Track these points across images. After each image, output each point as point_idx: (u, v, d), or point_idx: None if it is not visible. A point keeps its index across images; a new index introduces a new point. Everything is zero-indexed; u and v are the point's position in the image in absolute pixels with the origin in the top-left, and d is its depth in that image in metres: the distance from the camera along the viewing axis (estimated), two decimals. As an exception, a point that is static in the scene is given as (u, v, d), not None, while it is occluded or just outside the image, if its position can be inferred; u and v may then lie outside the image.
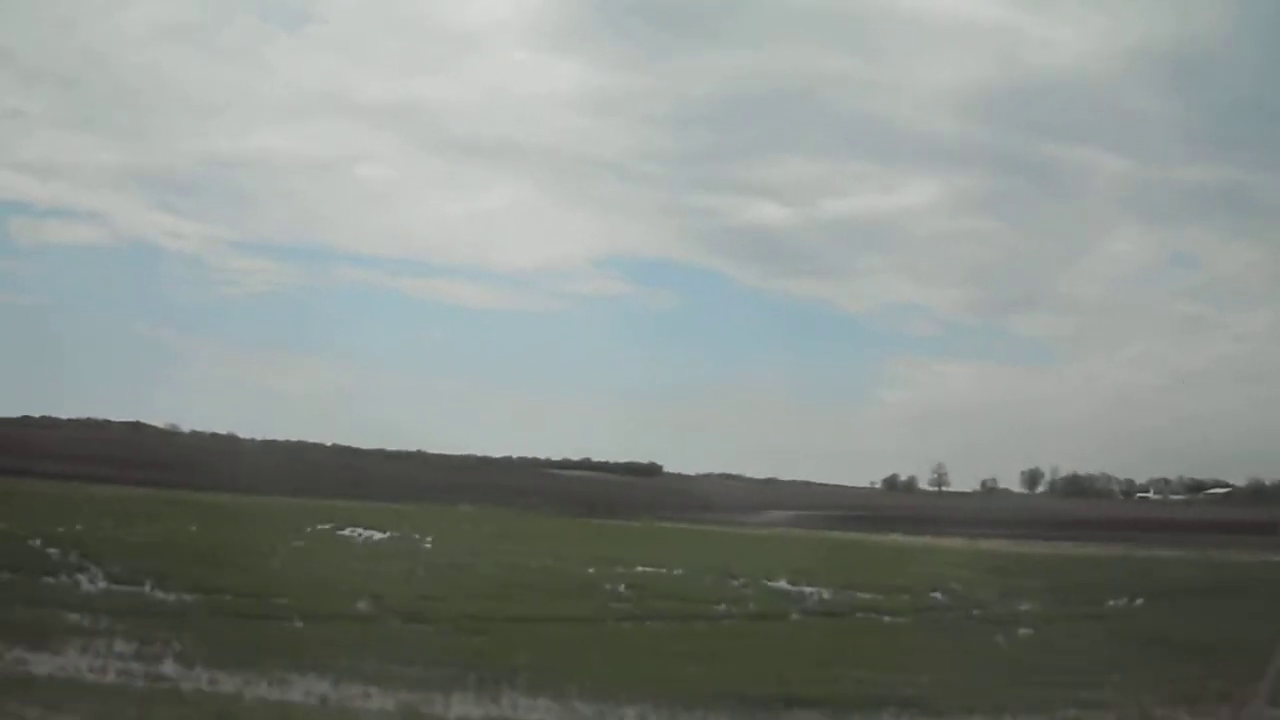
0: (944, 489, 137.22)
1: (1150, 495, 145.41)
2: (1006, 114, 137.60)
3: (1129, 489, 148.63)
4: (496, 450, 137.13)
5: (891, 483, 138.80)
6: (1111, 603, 34.07)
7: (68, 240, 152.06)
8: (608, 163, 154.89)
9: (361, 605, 25.16)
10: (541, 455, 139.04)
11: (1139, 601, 34.15)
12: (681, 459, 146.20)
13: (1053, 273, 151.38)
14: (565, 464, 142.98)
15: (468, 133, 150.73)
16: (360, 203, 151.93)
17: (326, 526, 47.67)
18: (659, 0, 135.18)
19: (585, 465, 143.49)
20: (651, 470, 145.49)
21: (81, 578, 26.60)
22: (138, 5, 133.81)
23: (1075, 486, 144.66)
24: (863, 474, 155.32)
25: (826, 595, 33.34)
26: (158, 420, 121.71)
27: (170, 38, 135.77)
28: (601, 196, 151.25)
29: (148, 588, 25.56)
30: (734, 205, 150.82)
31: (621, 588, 32.04)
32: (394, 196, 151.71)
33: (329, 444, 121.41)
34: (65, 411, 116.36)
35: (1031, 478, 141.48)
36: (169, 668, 17.26)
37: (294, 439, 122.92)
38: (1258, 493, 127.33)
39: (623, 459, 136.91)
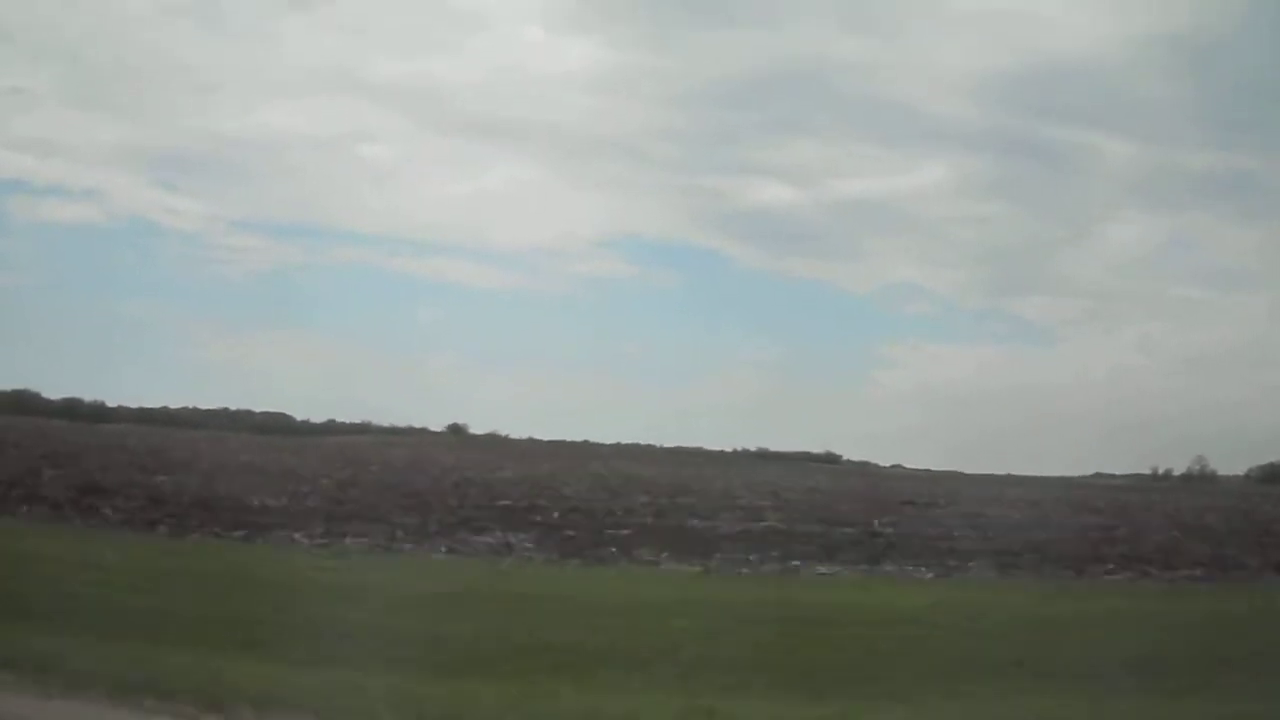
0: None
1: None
2: (1017, 98, 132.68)
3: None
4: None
5: (1155, 474, 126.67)
6: None
7: (65, 218, 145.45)
8: (614, 143, 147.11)
9: None
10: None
11: None
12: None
13: (1060, 256, 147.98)
14: (744, 454, 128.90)
15: (474, 112, 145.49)
16: (363, 182, 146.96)
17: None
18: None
19: (764, 455, 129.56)
20: (831, 459, 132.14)
21: None
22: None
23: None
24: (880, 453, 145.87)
25: None
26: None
27: (173, 14, 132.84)
28: (607, 177, 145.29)
29: None
30: (741, 186, 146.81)
31: None
32: (397, 175, 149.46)
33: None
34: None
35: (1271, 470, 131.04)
36: None
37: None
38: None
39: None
